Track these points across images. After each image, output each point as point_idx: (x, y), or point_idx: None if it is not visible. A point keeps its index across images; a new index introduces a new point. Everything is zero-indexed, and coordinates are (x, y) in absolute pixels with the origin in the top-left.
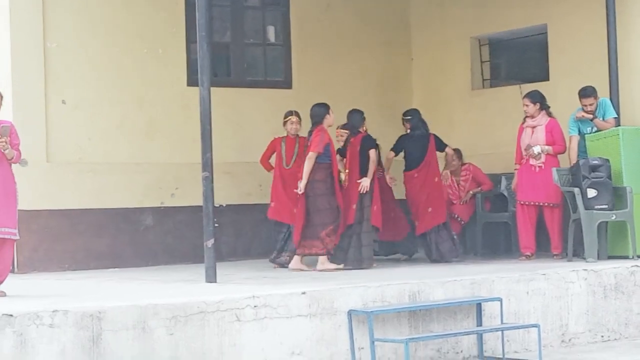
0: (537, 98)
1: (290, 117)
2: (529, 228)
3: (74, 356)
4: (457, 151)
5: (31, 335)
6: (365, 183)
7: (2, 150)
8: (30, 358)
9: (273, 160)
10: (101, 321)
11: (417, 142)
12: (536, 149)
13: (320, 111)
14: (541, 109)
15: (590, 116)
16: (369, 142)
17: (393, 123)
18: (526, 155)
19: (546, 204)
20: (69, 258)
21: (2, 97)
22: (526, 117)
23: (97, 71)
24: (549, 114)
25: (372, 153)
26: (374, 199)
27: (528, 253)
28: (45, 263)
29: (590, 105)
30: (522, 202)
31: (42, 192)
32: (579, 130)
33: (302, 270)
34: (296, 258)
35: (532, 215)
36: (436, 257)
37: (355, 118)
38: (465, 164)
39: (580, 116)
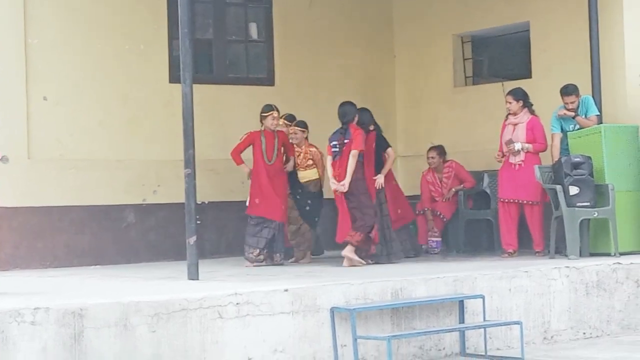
0: (520, 95)
1: (271, 112)
2: (510, 225)
3: (55, 353)
4: (440, 148)
5: (12, 332)
6: (380, 180)
7: None
8: (11, 355)
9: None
10: (83, 318)
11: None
12: (517, 145)
13: (351, 109)
14: (524, 106)
15: (572, 114)
16: (384, 140)
17: (376, 120)
18: (507, 151)
19: (527, 202)
20: (51, 255)
21: None
22: (509, 114)
23: (79, 67)
24: (532, 112)
25: (391, 151)
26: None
27: (510, 250)
28: (26, 260)
29: (572, 103)
30: (503, 200)
31: (23, 189)
32: (562, 128)
33: (355, 264)
34: (350, 248)
35: (514, 213)
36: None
37: (366, 116)
38: (447, 161)
39: (562, 114)
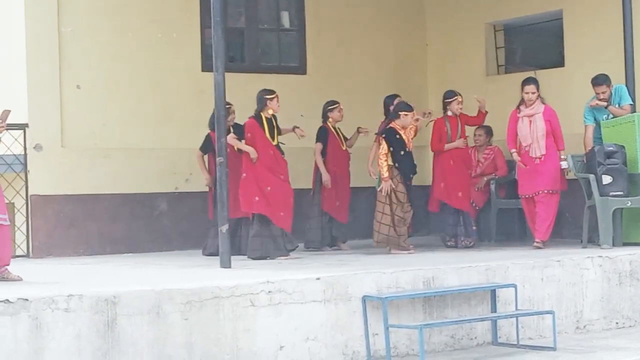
0: (538, 84)
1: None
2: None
3: (89, 340)
4: (488, 128)
5: (46, 319)
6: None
7: None
8: (45, 342)
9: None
10: (116, 306)
11: None
12: (564, 164)
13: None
14: (538, 96)
15: (604, 104)
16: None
17: None
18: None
19: (544, 191)
20: (84, 243)
21: None
22: (521, 105)
23: (112, 56)
24: (543, 100)
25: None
26: None
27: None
28: (60, 248)
29: (603, 93)
30: (523, 196)
31: (57, 177)
32: (595, 119)
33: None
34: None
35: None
36: None
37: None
38: (491, 144)
39: (594, 104)
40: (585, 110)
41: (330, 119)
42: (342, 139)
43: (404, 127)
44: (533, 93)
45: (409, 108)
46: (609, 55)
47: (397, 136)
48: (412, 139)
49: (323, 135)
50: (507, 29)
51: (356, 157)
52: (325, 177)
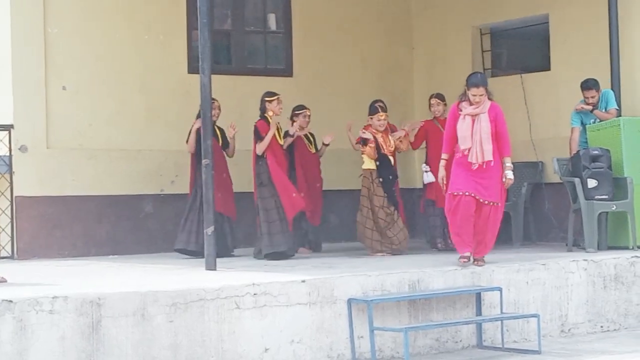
0: (487, 83)
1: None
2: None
3: (73, 342)
4: None
5: (31, 321)
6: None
7: None
8: (30, 344)
9: None
10: (101, 307)
11: None
12: (509, 174)
13: None
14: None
15: (589, 107)
16: None
17: (394, 112)
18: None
19: (488, 202)
20: (69, 245)
21: None
22: (462, 101)
23: (98, 57)
24: (490, 96)
25: None
26: None
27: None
28: (45, 249)
29: (592, 97)
30: (456, 193)
31: (42, 178)
32: (582, 122)
33: None
34: None
35: (472, 209)
36: None
37: None
38: None
39: (580, 108)
40: (573, 113)
41: (296, 124)
42: (312, 142)
43: (378, 130)
44: (481, 95)
45: (374, 110)
46: (594, 59)
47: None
48: (398, 147)
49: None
50: (494, 32)
51: (336, 161)
52: None
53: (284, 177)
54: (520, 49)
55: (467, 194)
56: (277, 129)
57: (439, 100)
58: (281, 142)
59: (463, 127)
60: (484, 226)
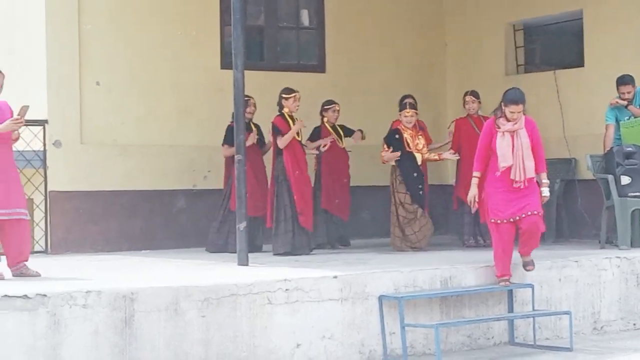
0: (525, 99)
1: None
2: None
3: (106, 337)
4: None
5: (64, 315)
6: None
7: (16, 130)
8: (63, 338)
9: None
10: (134, 302)
11: None
12: (545, 192)
13: None
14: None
15: (624, 103)
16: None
17: (426, 108)
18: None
19: (531, 213)
20: (102, 239)
21: (3, 76)
22: (499, 117)
23: (132, 53)
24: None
25: None
26: None
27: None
28: (78, 244)
29: (629, 93)
30: (497, 222)
31: (76, 173)
32: (616, 119)
33: None
34: None
35: (513, 234)
36: None
37: None
38: None
39: (615, 103)
40: (607, 110)
41: (325, 118)
42: (341, 136)
43: (408, 128)
44: (519, 113)
45: (406, 107)
46: (629, 55)
47: (397, 136)
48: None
49: (316, 134)
50: (527, 28)
51: (369, 157)
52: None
53: (301, 175)
54: (553, 45)
55: (507, 220)
56: (335, 131)
57: (473, 98)
58: (299, 138)
59: (503, 145)
60: (529, 232)
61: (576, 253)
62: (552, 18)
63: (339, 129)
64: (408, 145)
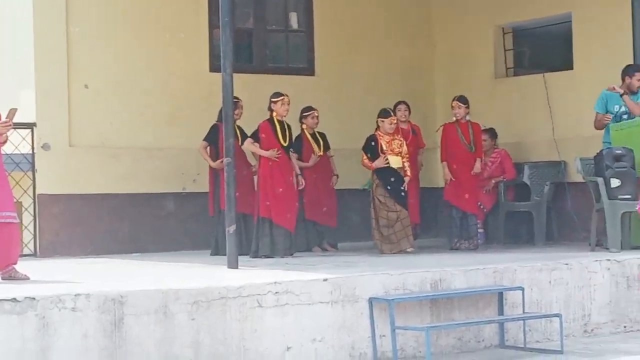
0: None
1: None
2: None
3: (95, 340)
4: (492, 131)
5: (53, 318)
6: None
7: (4, 133)
8: (52, 341)
9: None
10: (123, 305)
11: None
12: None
13: None
14: None
15: (620, 91)
16: None
17: (415, 111)
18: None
19: None
20: (91, 242)
21: None
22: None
23: (120, 56)
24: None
25: None
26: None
27: None
28: (66, 247)
29: (638, 80)
30: None
31: (64, 176)
32: (606, 109)
33: None
34: None
35: None
36: None
37: None
38: (497, 147)
39: (612, 88)
40: (598, 99)
41: (304, 125)
42: (320, 145)
43: (386, 133)
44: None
45: (386, 114)
46: (618, 58)
47: (373, 143)
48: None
49: (298, 144)
50: (516, 31)
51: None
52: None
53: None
54: (542, 48)
55: None
56: (314, 137)
57: (460, 104)
58: (285, 144)
59: None
60: None
61: (566, 256)
62: (541, 21)
63: (318, 136)
64: (382, 150)
